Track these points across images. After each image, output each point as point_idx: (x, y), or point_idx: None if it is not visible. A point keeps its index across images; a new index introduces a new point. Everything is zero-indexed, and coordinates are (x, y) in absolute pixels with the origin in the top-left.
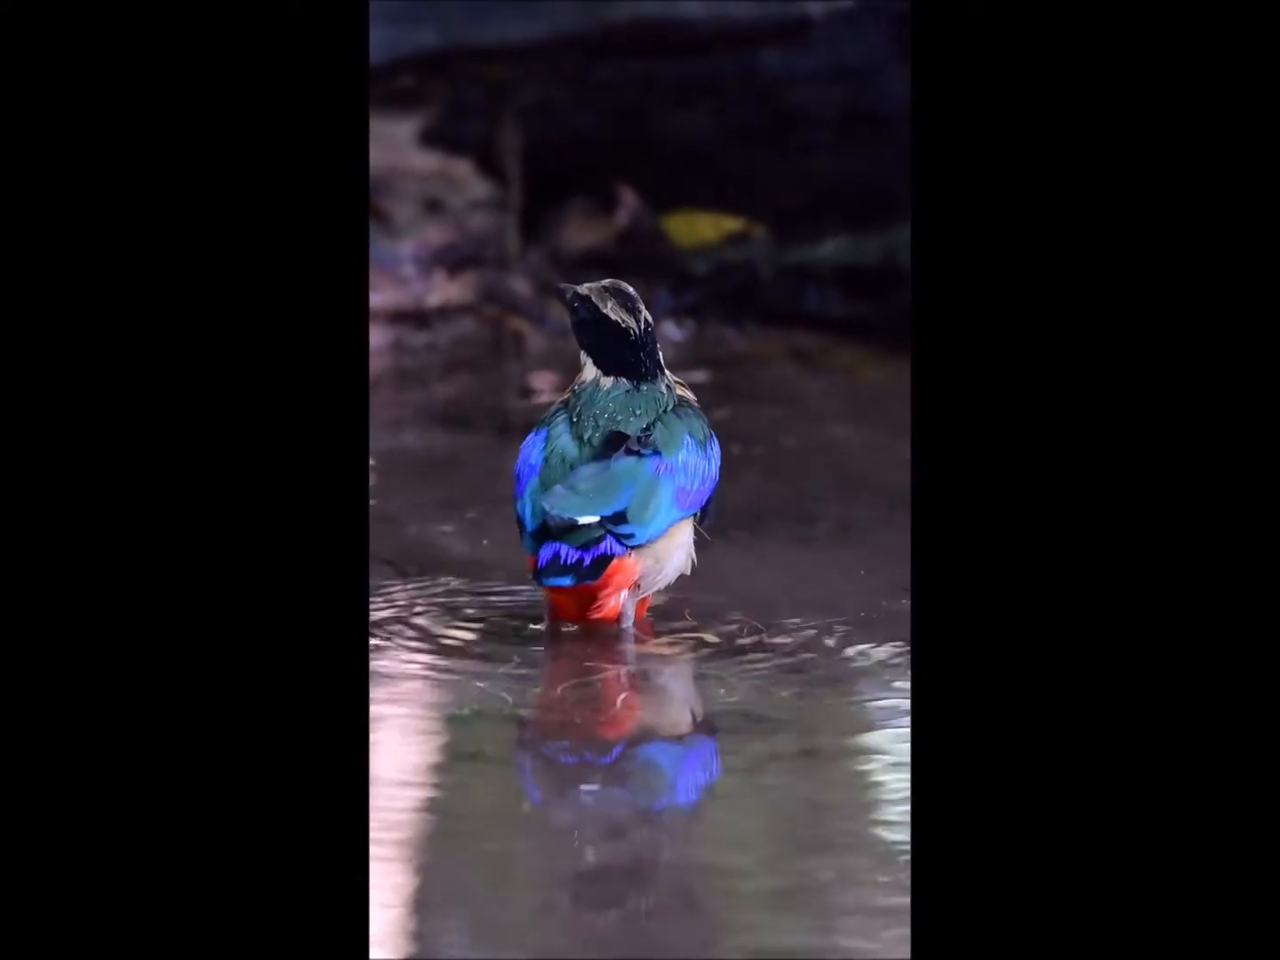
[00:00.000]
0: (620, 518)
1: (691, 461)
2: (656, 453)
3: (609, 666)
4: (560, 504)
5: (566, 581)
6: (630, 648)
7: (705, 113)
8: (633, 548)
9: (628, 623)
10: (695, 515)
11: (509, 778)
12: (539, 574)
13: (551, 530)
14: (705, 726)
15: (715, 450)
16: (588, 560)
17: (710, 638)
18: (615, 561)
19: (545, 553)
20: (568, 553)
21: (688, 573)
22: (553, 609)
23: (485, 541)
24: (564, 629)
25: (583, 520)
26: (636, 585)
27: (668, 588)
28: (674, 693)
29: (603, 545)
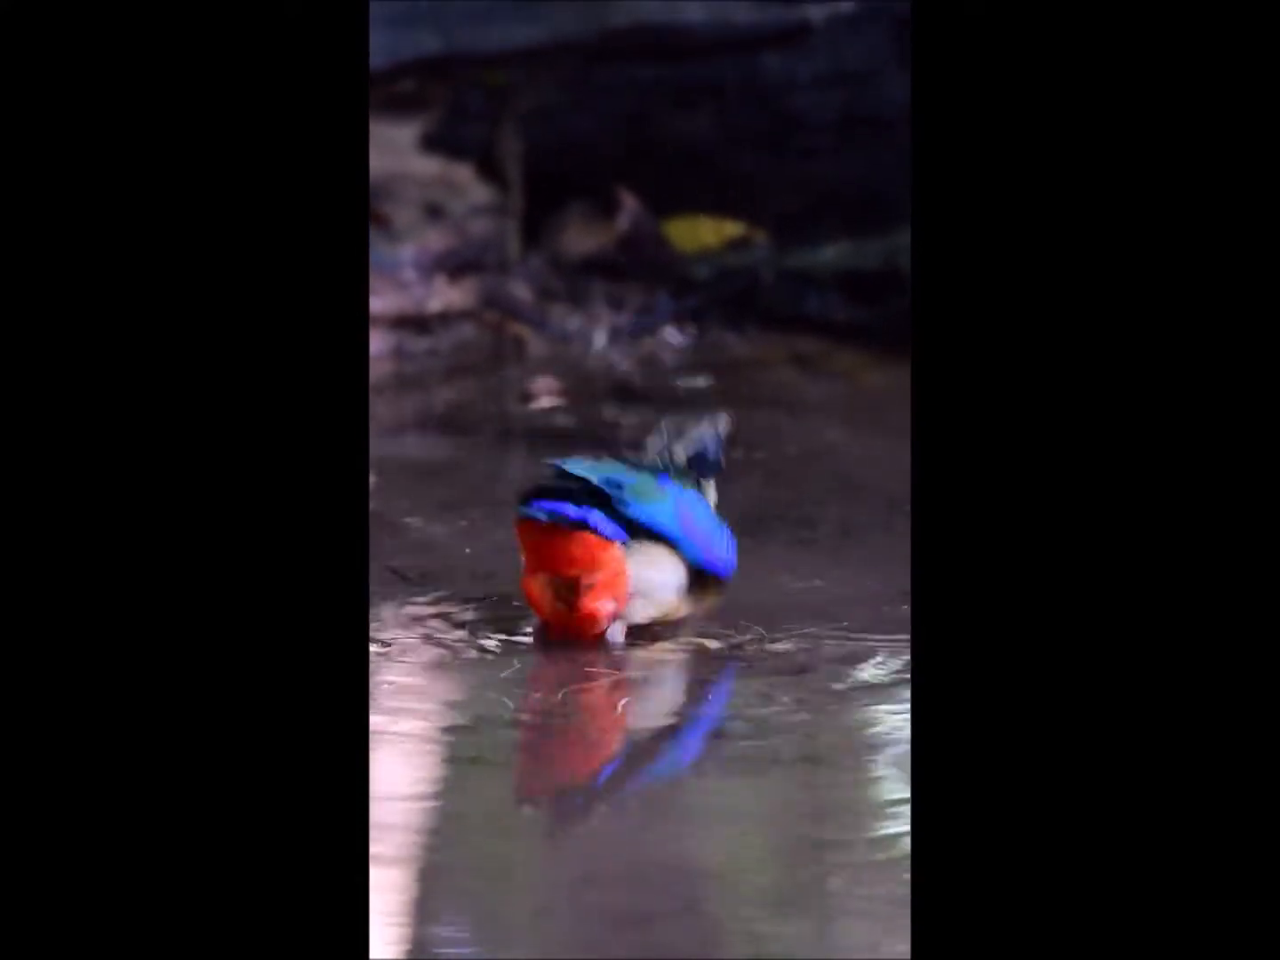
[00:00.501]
0: (618, 485)
1: (704, 515)
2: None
3: (610, 672)
4: (571, 465)
5: (541, 515)
6: (631, 653)
7: (706, 117)
8: (620, 538)
9: (616, 641)
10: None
11: (508, 782)
12: (521, 503)
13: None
14: (706, 732)
15: (729, 538)
16: (571, 514)
17: (710, 643)
18: (601, 544)
19: (534, 501)
20: (556, 502)
21: (676, 615)
22: (548, 630)
23: (468, 550)
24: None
25: (577, 471)
26: (620, 607)
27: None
28: (674, 698)
29: (588, 515)
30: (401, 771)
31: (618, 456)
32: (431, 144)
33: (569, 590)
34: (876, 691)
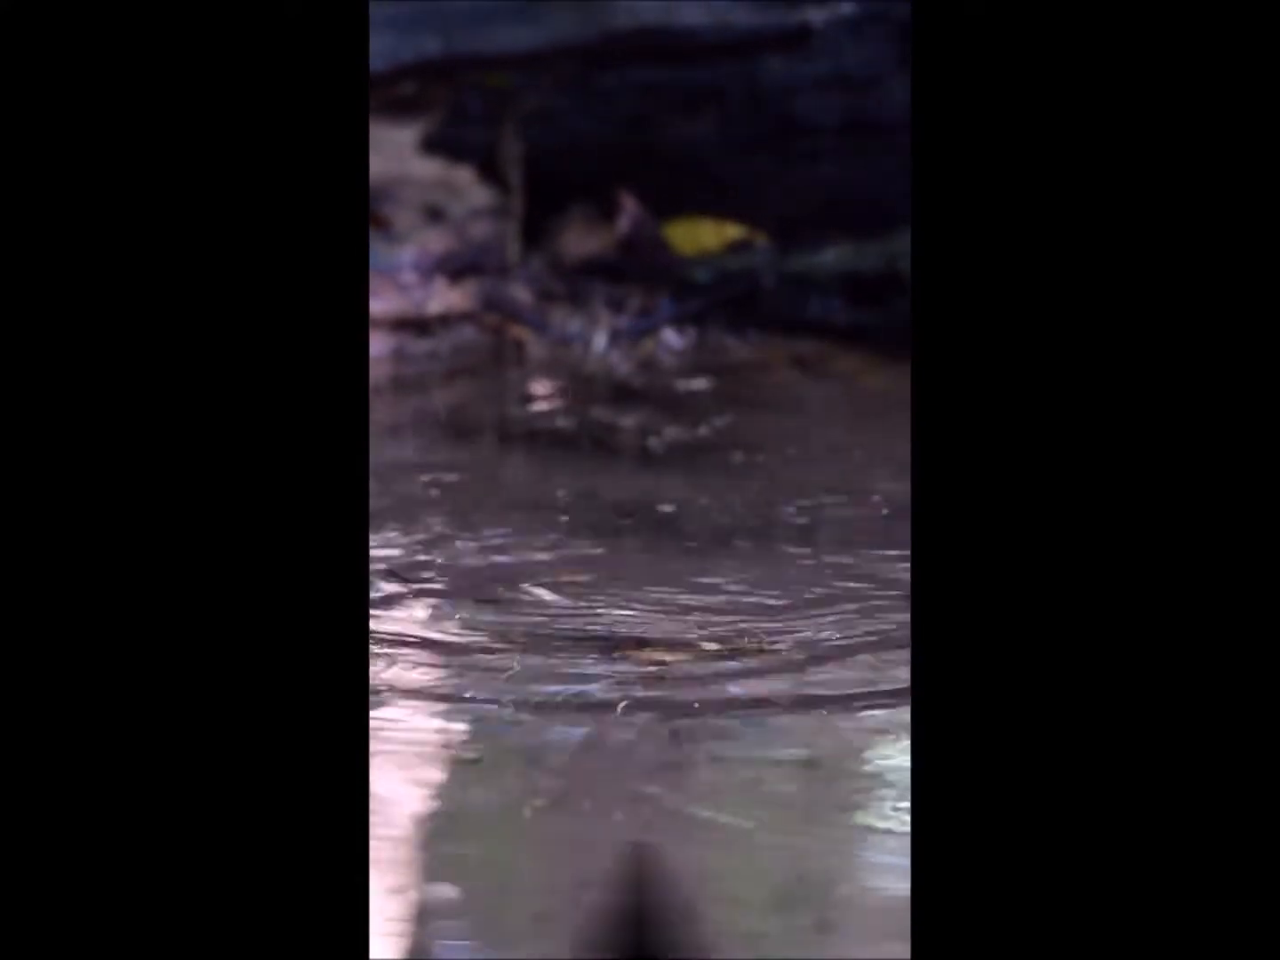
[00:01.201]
0: None
1: None
2: None
3: (609, 673)
4: None
5: None
6: (630, 654)
7: (707, 120)
8: None
9: None
10: None
11: (509, 784)
12: None
13: None
14: (705, 733)
15: None
16: None
17: (710, 645)
18: None
19: None
20: None
21: None
22: None
23: (443, 565)
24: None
25: None
26: None
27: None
28: (674, 699)
29: None
30: (401, 773)
31: None
32: (432, 146)
33: None
34: (876, 694)
